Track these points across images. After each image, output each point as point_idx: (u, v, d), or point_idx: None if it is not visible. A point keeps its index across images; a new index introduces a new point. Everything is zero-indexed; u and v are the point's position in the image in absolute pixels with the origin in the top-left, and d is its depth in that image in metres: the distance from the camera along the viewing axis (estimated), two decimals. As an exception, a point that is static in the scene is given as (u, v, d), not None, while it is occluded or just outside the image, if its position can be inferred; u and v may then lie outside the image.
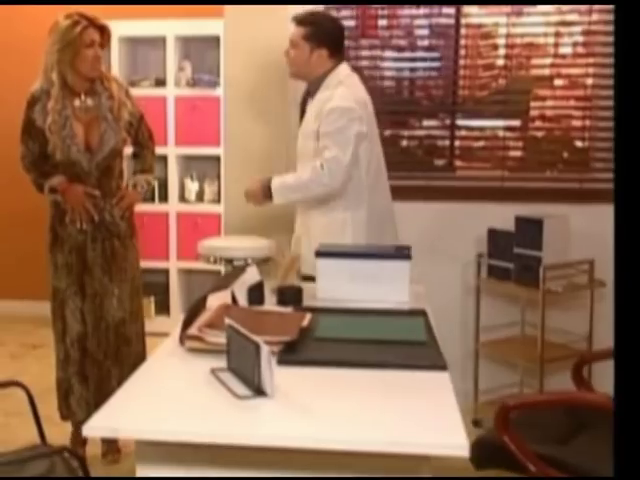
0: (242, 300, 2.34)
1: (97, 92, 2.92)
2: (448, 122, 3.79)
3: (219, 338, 1.91)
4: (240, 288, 2.35)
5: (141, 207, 4.85)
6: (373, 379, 1.78)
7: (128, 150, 3.17)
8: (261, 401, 1.62)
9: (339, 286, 2.50)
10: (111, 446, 3.12)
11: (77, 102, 2.90)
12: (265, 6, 3.64)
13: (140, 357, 3.08)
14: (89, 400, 3.03)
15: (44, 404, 2.38)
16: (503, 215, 3.48)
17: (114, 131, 2.92)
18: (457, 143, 3.79)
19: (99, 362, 3.02)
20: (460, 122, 3.77)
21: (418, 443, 1.44)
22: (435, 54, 3.79)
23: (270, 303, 2.43)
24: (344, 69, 3.00)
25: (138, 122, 3.05)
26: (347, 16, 3.82)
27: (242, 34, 3.73)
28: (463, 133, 3.80)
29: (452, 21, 3.71)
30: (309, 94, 3.04)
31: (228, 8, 3.74)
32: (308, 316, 2.15)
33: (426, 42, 3.80)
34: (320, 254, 2.55)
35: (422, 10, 3.75)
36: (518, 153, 3.78)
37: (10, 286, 5.49)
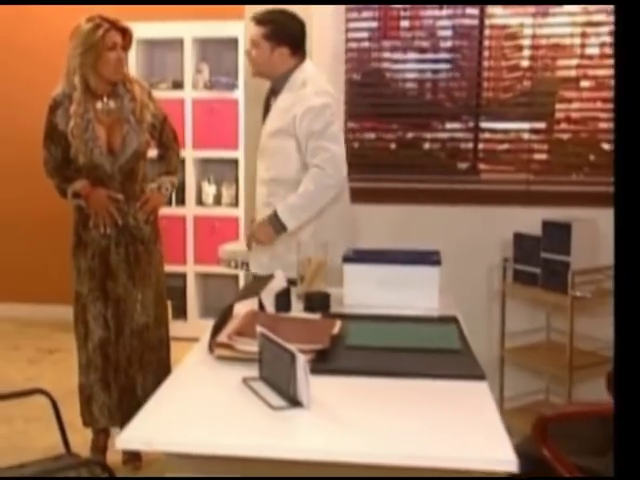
0: (269, 307, 2.29)
1: (119, 94, 2.89)
2: (472, 124, 3.73)
3: (249, 346, 1.86)
4: (267, 294, 2.30)
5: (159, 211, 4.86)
6: (409, 389, 1.72)
7: (152, 153, 3.13)
8: (297, 412, 1.57)
9: (367, 292, 2.44)
10: (132, 454, 3.08)
11: (99, 105, 2.87)
12: (287, 6, 3.59)
13: (164, 364, 3.04)
14: (111, 407, 2.99)
15: (63, 410, 2.33)
16: (528, 219, 3.41)
17: (136, 133, 2.89)
18: (481, 146, 3.73)
19: (124, 369, 2.98)
20: (484, 124, 3.71)
21: (463, 458, 1.39)
22: (458, 55, 3.73)
23: (297, 309, 2.38)
24: (309, 67, 2.95)
25: (161, 124, 3.02)
26: (369, 17, 3.77)
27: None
28: (487, 136, 3.74)
29: (476, 22, 3.66)
30: (273, 93, 2.98)
31: (249, 9, 3.69)
32: (338, 323, 2.10)
33: (449, 43, 3.74)
34: (347, 259, 2.50)
35: (445, 11, 3.70)
36: (543, 156, 3.72)
37: (25, 289, 5.47)
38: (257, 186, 3.02)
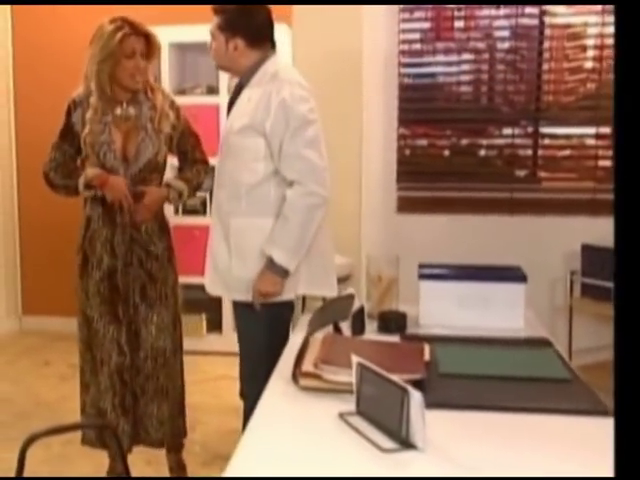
0: (346, 329, 2.11)
1: (139, 101, 2.70)
2: (531, 130, 3.55)
3: (338, 375, 1.68)
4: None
5: (191, 220, 4.68)
6: (524, 424, 1.53)
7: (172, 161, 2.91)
8: (411, 455, 1.38)
9: (445, 311, 2.26)
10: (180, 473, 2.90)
11: (118, 110, 2.68)
12: (335, 6, 3.43)
13: (179, 392, 2.82)
14: (130, 433, 2.76)
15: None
16: (595, 230, 3.23)
17: (152, 142, 2.68)
18: (541, 152, 3.55)
19: (139, 396, 2.75)
20: (544, 130, 3.53)
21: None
22: (517, 57, 3.55)
23: (370, 330, 2.19)
24: (280, 60, 2.59)
25: (180, 135, 2.78)
26: (421, 18, 3.60)
27: (310, 37, 3.52)
28: (547, 142, 3.55)
29: (536, 22, 3.48)
30: (240, 88, 2.60)
31: (297, 9, 3.53)
32: (427, 348, 1.91)
33: (507, 44, 3.56)
34: (424, 276, 2.31)
35: (502, 11, 3.52)
36: (608, 163, 3.53)
37: (53, 302, 5.31)
38: (215, 189, 2.64)
